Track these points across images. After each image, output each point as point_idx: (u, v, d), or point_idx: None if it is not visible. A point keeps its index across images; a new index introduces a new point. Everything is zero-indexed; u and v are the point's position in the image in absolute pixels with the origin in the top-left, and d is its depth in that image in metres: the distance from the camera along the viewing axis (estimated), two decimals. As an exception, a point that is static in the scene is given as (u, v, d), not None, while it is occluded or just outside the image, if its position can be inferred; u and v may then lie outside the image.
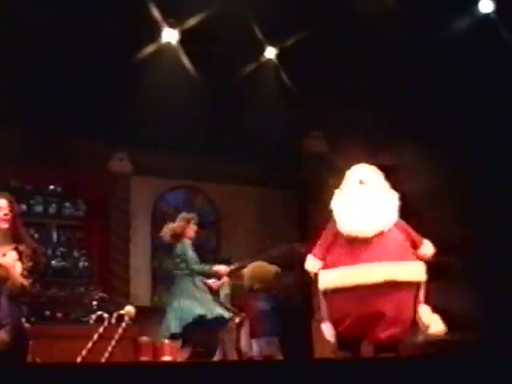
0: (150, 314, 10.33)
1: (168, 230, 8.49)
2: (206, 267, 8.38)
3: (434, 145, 11.65)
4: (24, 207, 11.01)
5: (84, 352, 7.70)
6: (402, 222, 6.39)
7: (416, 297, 6.10)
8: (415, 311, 6.08)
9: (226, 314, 8.23)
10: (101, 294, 10.56)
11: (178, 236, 8.41)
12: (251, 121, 10.48)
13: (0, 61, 9.07)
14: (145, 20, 9.34)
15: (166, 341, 8.55)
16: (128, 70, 9.72)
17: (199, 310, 8.00)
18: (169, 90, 9.69)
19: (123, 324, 8.33)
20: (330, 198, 6.51)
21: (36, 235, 11.09)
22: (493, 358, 4.34)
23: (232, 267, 8.57)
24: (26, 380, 3.49)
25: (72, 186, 11.65)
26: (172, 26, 9.76)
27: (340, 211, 6.32)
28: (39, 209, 11.39)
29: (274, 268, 8.67)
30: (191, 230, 8.47)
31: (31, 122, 10.32)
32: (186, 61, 9.98)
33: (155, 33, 9.79)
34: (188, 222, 8.47)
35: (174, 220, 8.68)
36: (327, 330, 6.31)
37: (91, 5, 8.91)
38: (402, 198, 6.46)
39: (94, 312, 9.88)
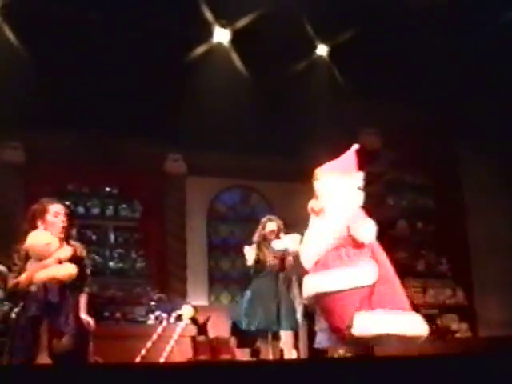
0: (208, 313, 10.41)
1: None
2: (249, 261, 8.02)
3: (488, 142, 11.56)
4: (81, 210, 11.23)
5: (143, 351, 7.81)
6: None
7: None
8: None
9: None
10: (158, 294, 10.66)
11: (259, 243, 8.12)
12: (303, 118, 10.48)
13: (56, 66, 9.23)
14: (196, 21, 9.41)
15: (230, 339, 8.45)
16: (180, 70, 9.80)
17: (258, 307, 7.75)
18: (221, 89, 9.74)
19: (182, 323, 8.43)
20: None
21: (93, 237, 11.29)
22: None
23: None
24: (88, 380, 3.56)
25: (128, 188, 11.78)
26: (223, 26, 9.81)
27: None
28: (96, 211, 11.55)
29: None
30: (267, 231, 8.13)
31: (86, 125, 10.45)
32: (237, 60, 10.02)
33: (207, 33, 9.86)
34: (263, 226, 8.18)
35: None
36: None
37: (143, 6, 9.01)
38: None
39: (152, 312, 10.01)
